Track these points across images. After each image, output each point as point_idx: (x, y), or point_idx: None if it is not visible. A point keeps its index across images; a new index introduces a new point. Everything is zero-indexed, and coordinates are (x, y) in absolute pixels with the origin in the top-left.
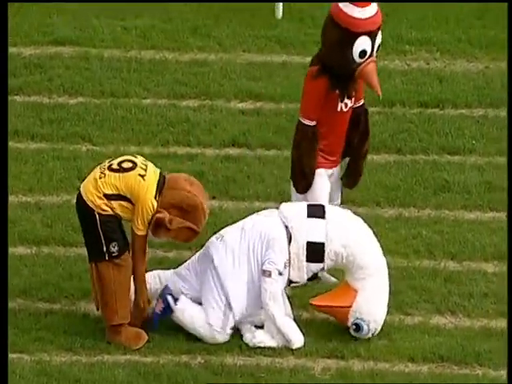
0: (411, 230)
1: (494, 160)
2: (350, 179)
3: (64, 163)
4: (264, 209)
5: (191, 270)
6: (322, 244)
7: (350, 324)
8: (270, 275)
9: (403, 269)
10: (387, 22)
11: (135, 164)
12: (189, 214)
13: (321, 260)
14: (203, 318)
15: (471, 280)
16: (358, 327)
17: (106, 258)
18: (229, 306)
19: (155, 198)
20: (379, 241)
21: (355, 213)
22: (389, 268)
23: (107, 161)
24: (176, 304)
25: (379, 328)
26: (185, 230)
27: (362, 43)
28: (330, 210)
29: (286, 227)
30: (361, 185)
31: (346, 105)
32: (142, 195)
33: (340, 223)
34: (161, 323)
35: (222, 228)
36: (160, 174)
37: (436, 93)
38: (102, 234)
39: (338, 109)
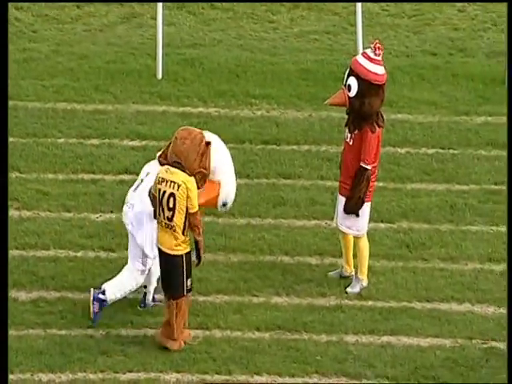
0: (257, 234)
1: (316, 183)
2: None
3: None
4: None
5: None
6: None
7: (219, 204)
8: None
9: (252, 263)
10: (238, 82)
11: (170, 194)
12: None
13: None
14: (126, 274)
15: (300, 270)
16: (225, 204)
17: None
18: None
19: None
20: (234, 243)
21: (214, 222)
22: (241, 263)
23: (158, 216)
24: (104, 294)
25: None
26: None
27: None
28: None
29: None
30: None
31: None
32: (190, 194)
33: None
34: (70, 308)
35: (118, 236)
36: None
37: (274, 133)
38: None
39: None
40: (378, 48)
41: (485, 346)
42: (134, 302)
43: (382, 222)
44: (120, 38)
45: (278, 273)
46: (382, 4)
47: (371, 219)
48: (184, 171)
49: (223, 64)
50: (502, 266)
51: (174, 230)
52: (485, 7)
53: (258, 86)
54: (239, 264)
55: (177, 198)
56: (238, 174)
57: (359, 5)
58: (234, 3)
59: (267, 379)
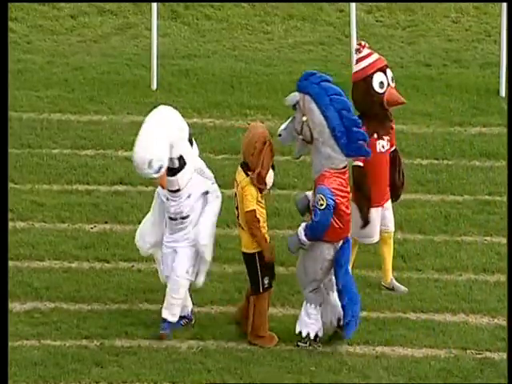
0: None
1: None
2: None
3: None
4: None
5: None
6: None
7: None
8: None
9: (246, 273)
10: (233, 93)
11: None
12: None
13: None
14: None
15: (295, 281)
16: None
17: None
18: None
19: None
20: (228, 253)
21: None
22: (236, 273)
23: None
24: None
25: None
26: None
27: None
28: None
29: None
30: None
31: (384, 146)
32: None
33: None
34: (64, 319)
35: (113, 246)
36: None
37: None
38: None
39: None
40: (356, 49)
41: (479, 356)
42: (128, 313)
43: None
44: (115, 48)
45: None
46: (377, 15)
47: None
48: (246, 171)
49: (218, 75)
50: (496, 277)
51: (242, 229)
52: (479, 18)
53: (252, 97)
54: (234, 275)
55: (238, 197)
56: (233, 185)
57: (353, 16)
58: (229, 13)
59: None
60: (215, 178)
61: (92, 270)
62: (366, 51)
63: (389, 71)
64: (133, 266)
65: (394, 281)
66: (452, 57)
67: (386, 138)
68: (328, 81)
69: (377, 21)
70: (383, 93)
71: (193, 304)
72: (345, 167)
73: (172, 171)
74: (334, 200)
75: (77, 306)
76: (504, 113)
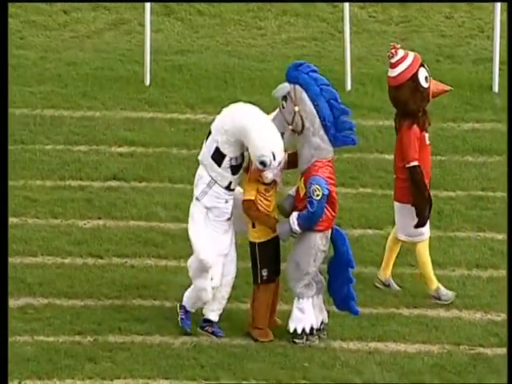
0: (245, 241)
1: None
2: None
3: None
4: (138, 226)
5: None
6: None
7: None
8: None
9: (240, 269)
10: (226, 89)
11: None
12: None
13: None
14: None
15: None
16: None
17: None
18: None
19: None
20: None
21: None
22: None
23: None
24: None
25: None
26: None
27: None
28: None
29: None
30: None
31: (429, 138)
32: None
33: None
34: (57, 315)
35: (106, 242)
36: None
37: None
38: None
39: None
40: (390, 53)
41: (472, 351)
42: (121, 309)
43: (369, 228)
44: (108, 44)
45: None
46: (370, 10)
47: (359, 225)
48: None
49: (211, 70)
50: (489, 272)
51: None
52: (472, 14)
53: (245, 93)
54: None
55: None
56: None
57: (347, 11)
58: (222, 9)
59: None
60: None
61: (85, 266)
62: (401, 52)
63: (425, 64)
64: (126, 262)
65: (391, 279)
66: (445, 52)
67: (428, 129)
68: (316, 71)
69: (370, 16)
70: (429, 86)
71: None
72: (332, 158)
73: (237, 169)
74: (328, 189)
75: (70, 301)
76: (497, 108)
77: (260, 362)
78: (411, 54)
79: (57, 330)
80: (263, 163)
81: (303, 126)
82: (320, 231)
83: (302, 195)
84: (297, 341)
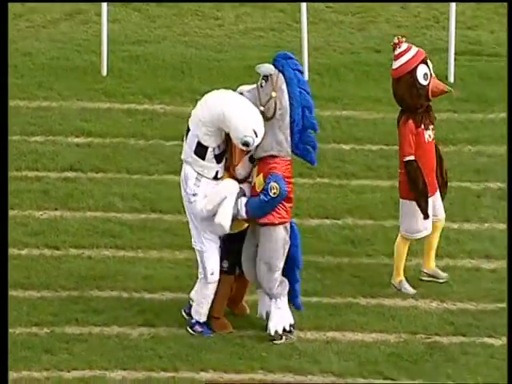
0: None
1: None
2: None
3: None
4: (96, 217)
5: None
6: None
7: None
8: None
9: (196, 260)
10: (183, 79)
11: None
12: None
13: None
14: None
15: None
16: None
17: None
18: None
19: None
20: (179, 240)
21: (161, 220)
22: (187, 260)
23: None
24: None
25: None
26: None
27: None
28: None
29: None
30: None
31: (430, 136)
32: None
33: None
34: (14, 306)
35: (63, 233)
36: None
37: None
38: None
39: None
40: (394, 44)
41: (428, 340)
42: (78, 300)
43: (327, 218)
44: (64, 34)
45: None
46: (327, 1)
47: (316, 215)
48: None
49: (168, 61)
50: (445, 261)
51: None
52: (428, 5)
53: (203, 83)
54: (185, 261)
55: None
56: None
57: (304, 2)
58: None
59: (213, 376)
60: (166, 164)
61: (42, 257)
62: (404, 45)
63: (429, 62)
64: (83, 253)
65: (437, 269)
66: None
67: (430, 127)
68: (301, 72)
69: (327, 7)
70: (428, 84)
71: (143, 290)
72: (290, 160)
73: (221, 157)
74: (286, 191)
75: (26, 293)
76: (452, 99)
77: (218, 353)
78: (414, 49)
79: (13, 322)
80: (246, 144)
81: (274, 114)
82: (282, 223)
83: (257, 187)
84: (276, 342)
